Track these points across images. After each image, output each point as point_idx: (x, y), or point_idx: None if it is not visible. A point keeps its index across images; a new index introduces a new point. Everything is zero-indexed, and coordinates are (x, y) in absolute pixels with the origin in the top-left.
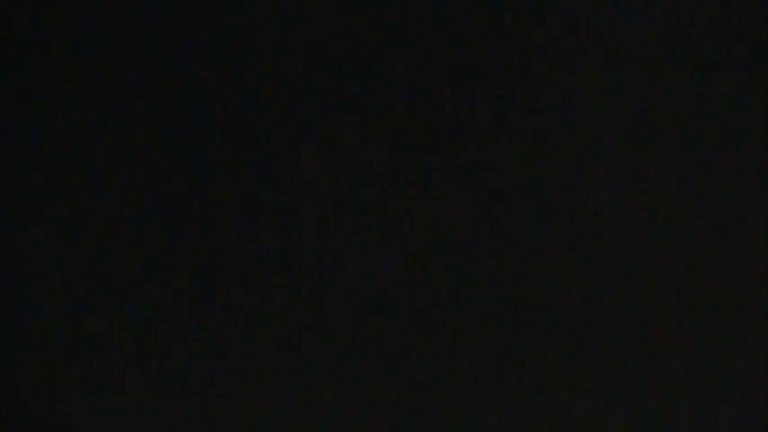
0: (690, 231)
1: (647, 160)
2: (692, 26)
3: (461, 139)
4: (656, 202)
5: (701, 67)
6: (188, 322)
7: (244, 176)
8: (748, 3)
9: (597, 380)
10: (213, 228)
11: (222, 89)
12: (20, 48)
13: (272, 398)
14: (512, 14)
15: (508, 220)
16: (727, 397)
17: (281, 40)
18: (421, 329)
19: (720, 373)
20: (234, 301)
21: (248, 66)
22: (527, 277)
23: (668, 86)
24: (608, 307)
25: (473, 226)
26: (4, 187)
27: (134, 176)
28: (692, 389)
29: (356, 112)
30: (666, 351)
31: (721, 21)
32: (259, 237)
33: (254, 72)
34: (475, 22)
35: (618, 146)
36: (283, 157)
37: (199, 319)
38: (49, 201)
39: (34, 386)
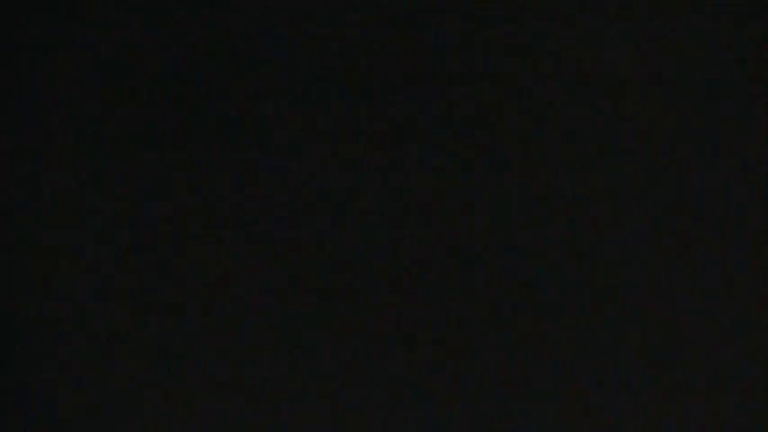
0: (689, 232)
1: (646, 160)
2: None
3: (463, 138)
4: (654, 203)
5: (701, 69)
6: (190, 323)
7: (245, 176)
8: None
9: (596, 380)
10: (214, 227)
11: (222, 86)
12: (20, 47)
13: (269, 398)
14: (517, 19)
15: (509, 220)
16: (727, 397)
17: (282, 37)
18: (420, 328)
19: (720, 373)
20: (234, 303)
21: (249, 62)
22: (526, 276)
23: (668, 89)
24: (607, 308)
25: (473, 226)
26: (4, 187)
27: (135, 176)
28: (692, 389)
29: (357, 111)
30: (666, 352)
31: (721, 23)
32: (261, 235)
33: (255, 69)
34: (477, 22)
35: (617, 145)
36: (285, 153)
37: (201, 322)
38: (49, 198)
39: (35, 386)
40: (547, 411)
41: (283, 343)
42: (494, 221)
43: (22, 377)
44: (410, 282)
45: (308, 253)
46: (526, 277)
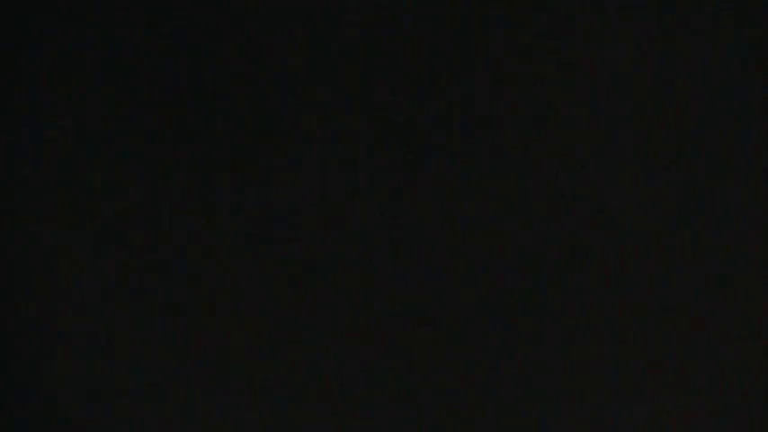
0: (689, 232)
1: (646, 160)
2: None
3: (464, 138)
4: (654, 203)
5: (701, 68)
6: (190, 323)
7: (245, 176)
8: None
9: (597, 380)
10: (214, 227)
11: (223, 88)
12: (20, 47)
13: (269, 398)
14: (518, 17)
15: (509, 219)
16: (727, 397)
17: (283, 38)
18: (420, 328)
19: (720, 373)
20: (234, 303)
21: (252, 62)
22: (527, 276)
23: (668, 89)
24: (607, 308)
25: (473, 225)
26: (4, 186)
27: (135, 176)
28: (692, 389)
29: (356, 110)
30: (666, 351)
31: (720, 24)
32: (261, 235)
33: (257, 69)
34: (477, 22)
35: (617, 145)
36: (286, 153)
37: (201, 322)
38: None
39: (37, 388)
40: (547, 411)
41: (283, 343)
42: (494, 221)
43: (22, 377)
44: (410, 281)
45: (309, 253)
46: (526, 277)
